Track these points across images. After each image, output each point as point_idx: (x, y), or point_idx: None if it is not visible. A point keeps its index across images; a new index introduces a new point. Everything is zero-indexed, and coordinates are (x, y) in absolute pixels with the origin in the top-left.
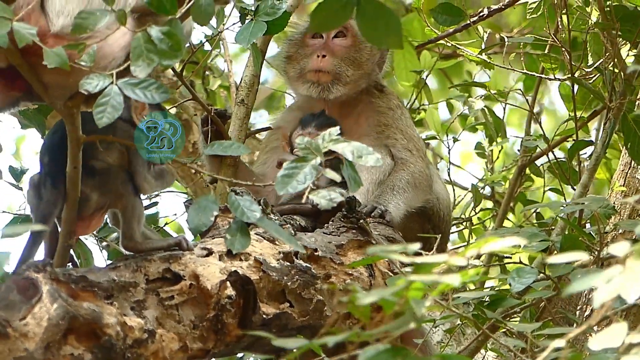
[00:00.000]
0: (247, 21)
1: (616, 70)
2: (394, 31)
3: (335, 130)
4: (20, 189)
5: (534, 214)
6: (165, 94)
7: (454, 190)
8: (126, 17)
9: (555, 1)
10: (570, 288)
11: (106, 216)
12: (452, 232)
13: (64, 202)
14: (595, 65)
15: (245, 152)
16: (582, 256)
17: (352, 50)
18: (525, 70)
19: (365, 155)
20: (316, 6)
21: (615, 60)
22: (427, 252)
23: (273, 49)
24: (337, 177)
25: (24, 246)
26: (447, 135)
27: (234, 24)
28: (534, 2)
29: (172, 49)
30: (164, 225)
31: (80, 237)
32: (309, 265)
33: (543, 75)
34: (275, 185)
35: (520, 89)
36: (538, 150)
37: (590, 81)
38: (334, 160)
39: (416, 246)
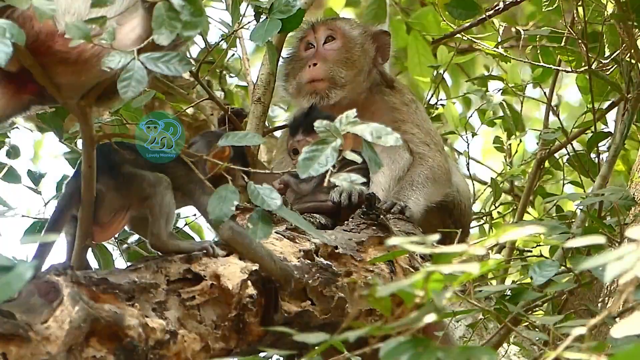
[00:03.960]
0: (261, 19)
1: (633, 61)
2: None
3: (353, 112)
4: (39, 193)
5: (554, 207)
6: (187, 65)
7: (473, 185)
8: None
9: None
10: (582, 265)
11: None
12: (472, 227)
13: (79, 199)
14: (611, 57)
15: (260, 142)
16: (600, 239)
17: (342, 52)
18: (542, 63)
19: (384, 136)
20: None
21: (632, 51)
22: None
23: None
24: (357, 159)
25: (36, 248)
26: (466, 130)
27: (249, 22)
28: None
29: (194, 16)
30: (184, 226)
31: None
32: (330, 263)
33: (560, 68)
34: (297, 169)
35: (538, 82)
36: (557, 143)
37: (607, 73)
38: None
39: (435, 237)
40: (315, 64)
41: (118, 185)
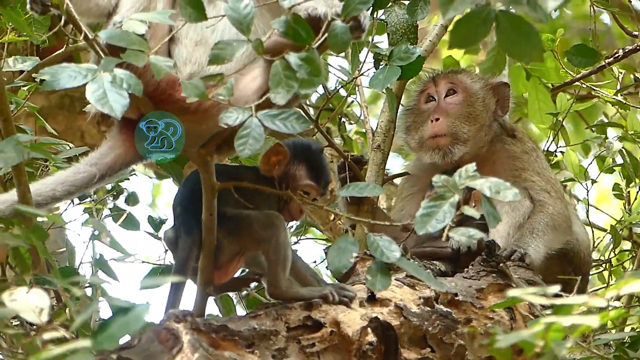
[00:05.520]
0: (381, 66)
1: None
2: (534, 44)
3: (472, 166)
4: (160, 238)
5: None
6: (305, 123)
7: (592, 232)
8: (263, 46)
9: None
10: None
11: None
12: (591, 274)
13: (198, 249)
14: None
15: (380, 193)
16: None
17: (464, 106)
18: None
19: (503, 191)
20: (455, 23)
21: None
22: (567, 294)
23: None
24: (476, 215)
25: (167, 296)
26: (585, 178)
27: (368, 69)
28: None
29: (311, 75)
30: None
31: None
32: (450, 310)
33: None
34: (415, 225)
35: None
36: None
37: None
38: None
39: (556, 288)
40: (437, 119)
41: (227, 230)
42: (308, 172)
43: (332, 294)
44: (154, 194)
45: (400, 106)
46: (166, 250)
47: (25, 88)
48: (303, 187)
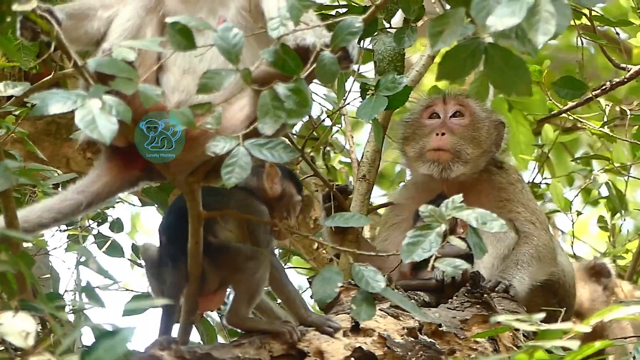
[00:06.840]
0: (368, 96)
1: None
2: (523, 78)
3: (459, 197)
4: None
5: None
6: (292, 153)
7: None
8: (251, 76)
9: None
10: None
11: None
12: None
13: (185, 279)
14: None
15: (366, 223)
16: None
17: (470, 129)
18: None
19: (489, 222)
20: (444, 55)
21: None
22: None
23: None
24: (462, 245)
25: (159, 324)
26: (570, 209)
27: (354, 99)
28: None
29: (299, 106)
30: None
31: (204, 314)
32: (433, 341)
33: None
34: (401, 254)
35: None
36: None
37: None
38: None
39: (540, 316)
40: (443, 134)
41: (211, 260)
42: (296, 187)
43: (292, 331)
44: (134, 221)
45: (385, 136)
46: None
47: (16, 113)
48: (297, 203)
